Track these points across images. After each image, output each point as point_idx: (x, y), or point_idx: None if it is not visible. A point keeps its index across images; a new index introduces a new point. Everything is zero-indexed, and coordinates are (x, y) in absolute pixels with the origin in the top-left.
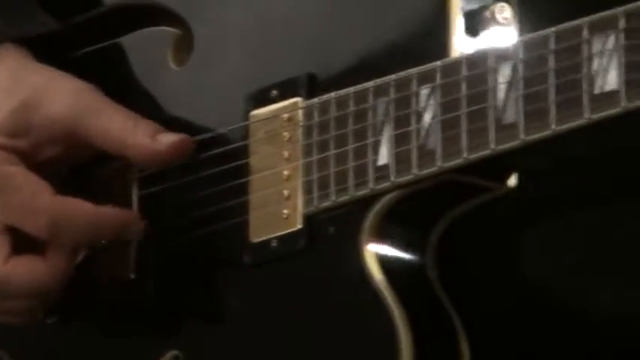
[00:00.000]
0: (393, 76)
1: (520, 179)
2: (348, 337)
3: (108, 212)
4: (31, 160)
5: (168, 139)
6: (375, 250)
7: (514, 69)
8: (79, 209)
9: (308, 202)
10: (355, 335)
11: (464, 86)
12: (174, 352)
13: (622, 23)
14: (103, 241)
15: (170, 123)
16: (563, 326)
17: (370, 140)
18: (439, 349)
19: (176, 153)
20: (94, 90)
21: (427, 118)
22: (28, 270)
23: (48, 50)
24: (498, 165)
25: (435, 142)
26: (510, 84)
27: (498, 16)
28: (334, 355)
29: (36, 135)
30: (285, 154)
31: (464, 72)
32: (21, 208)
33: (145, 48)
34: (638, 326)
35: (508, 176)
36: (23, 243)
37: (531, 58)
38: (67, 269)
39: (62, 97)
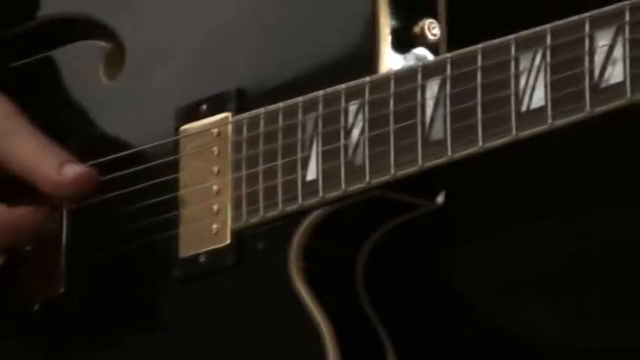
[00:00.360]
0: (322, 92)
1: (448, 196)
2: (277, 352)
3: (24, 211)
4: None
5: (73, 170)
6: (302, 264)
7: (442, 85)
8: (8, 212)
9: (237, 217)
10: (284, 351)
11: (392, 102)
12: None
13: (548, 40)
14: (28, 247)
15: (100, 137)
16: (488, 343)
17: (299, 156)
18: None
19: (79, 185)
20: (11, 110)
21: (355, 134)
22: None
23: None
24: (427, 181)
25: (363, 158)
26: (438, 100)
27: (427, 33)
28: None
29: None
30: (215, 169)
31: (392, 88)
32: None
33: (77, 61)
34: (563, 345)
35: (437, 193)
36: None
37: (459, 75)
38: None
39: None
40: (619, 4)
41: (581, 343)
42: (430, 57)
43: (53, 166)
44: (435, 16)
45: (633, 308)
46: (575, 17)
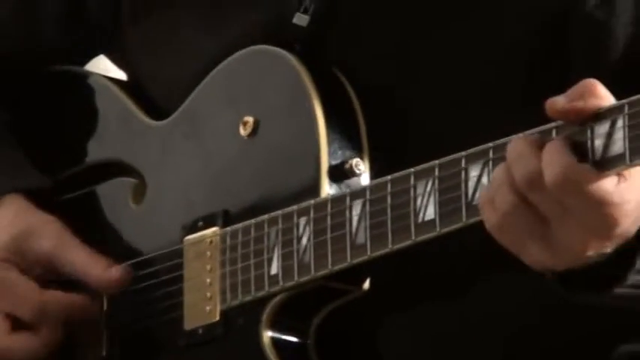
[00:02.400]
0: (280, 212)
1: (372, 283)
2: None
3: (76, 299)
4: (24, 270)
5: (116, 271)
6: (270, 335)
7: (363, 205)
8: (56, 298)
9: (223, 300)
10: None
11: (329, 218)
12: None
13: (436, 172)
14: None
15: (129, 245)
16: None
17: (265, 257)
18: None
19: (122, 282)
20: (67, 231)
21: (304, 241)
22: (24, 341)
23: (40, 197)
24: (356, 273)
25: (309, 258)
26: (361, 216)
27: (355, 168)
28: None
29: (28, 255)
30: (208, 267)
31: (329, 208)
32: (15, 301)
33: (113, 192)
34: None
35: (363, 281)
36: (19, 324)
37: (375, 198)
38: (52, 340)
39: (45, 237)
40: (485, 145)
41: None
42: (356, 185)
43: (101, 269)
44: (361, 157)
45: None
46: (455, 155)
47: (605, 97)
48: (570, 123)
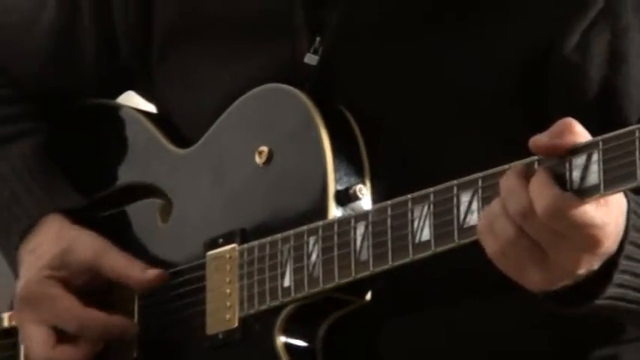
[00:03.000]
0: (292, 231)
1: (373, 294)
2: None
3: (114, 319)
4: (67, 285)
5: (152, 272)
6: (283, 340)
7: (366, 227)
8: (95, 317)
9: (241, 309)
10: None
11: (335, 237)
12: None
13: (432, 197)
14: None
15: (158, 259)
16: None
17: (279, 271)
18: None
19: (156, 281)
20: (106, 242)
21: (313, 257)
22: (67, 352)
23: (77, 215)
24: (359, 286)
25: (319, 272)
26: (364, 236)
27: (358, 193)
28: None
29: (71, 270)
30: (228, 279)
31: (336, 229)
32: (60, 315)
33: (143, 212)
34: None
35: (365, 293)
36: (64, 336)
37: (377, 221)
38: (91, 352)
39: (87, 247)
40: (475, 175)
41: None
42: (360, 209)
43: (139, 271)
44: (363, 183)
45: None
46: (448, 183)
47: (581, 134)
48: (551, 157)
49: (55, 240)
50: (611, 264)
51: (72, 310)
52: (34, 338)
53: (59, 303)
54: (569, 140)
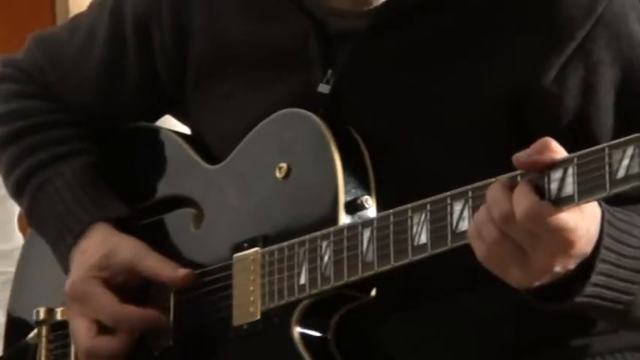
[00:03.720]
0: (307, 236)
1: (378, 291)
2: None
3: (148, 312)
4: (108, 283)
5: (183, 271)
6: (299, 330)
7: (372, 232)
8: (129, 312)
9: (263, 304)
10: None
11: (345, 242)
12: None
13: (428, 207)
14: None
15: (191, 261)
16: None
17: (296, 271)
18: None
19: (185, 279)
20: (144, 246)
21: (326, 259)
22: (106, 342)
23: (122, 223)
24: (365, 284)
25: (330, 272)
26: (370, 240)
27: (365, 204)
28: None
29: (112, 270)
30: (252, 278)
31: (345, 234)
32: (99, 310)
33: (178, 220)
34: None
35: (371, 289)
36: (104, 328)
37: (381, 226)
38: (128, 342)
39: (127, 251)
40: (466, 187)
41: None
42: (366, 217)
43: (171, 270)
44: (369, 195)
45: None
46: (443, 194)
47: (558, 152)
48: (532, 171)
49: (101, 245)
50: (588, 267)
51: (109, 306)
52: (79, 329)
53: (99, 299)
54: (547, 157)
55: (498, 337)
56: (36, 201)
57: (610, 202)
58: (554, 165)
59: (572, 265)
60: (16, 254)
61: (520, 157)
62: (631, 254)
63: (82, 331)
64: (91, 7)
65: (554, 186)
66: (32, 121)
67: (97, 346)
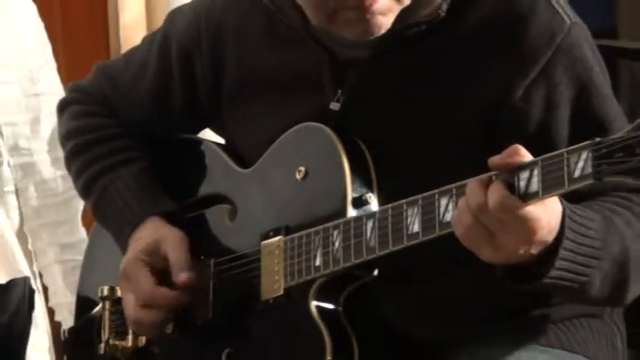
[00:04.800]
0: (321, 226)
1: (379, 270)
2: (302, 344)
3: (179, 296)
4: (151, 267)
5: (184, 276)
6: (315, 303)
7: (374, 223)
8: (164, 292)
9: (285, 282)
10: (304, 343)
11: (352, 231)
12: (228, 349)
13: (420, 202)
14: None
15: (227, 247)
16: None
17: (312, 254)
18: (344, 350)
19: (184, 283)
20: (183, 239)
21: (337, 244)
22: (148, 315)
23: (171, 217)
24: (369, 265)
25: (340, 255)
26: (372, 229)
27: (368, 200)
28: (295, 354)
29: (156, 256)
30: (276, 261)
31: (352, 224)
32: (138, 288)
33: (216, 214)
34: None
35: (374, 269)
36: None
37: (381, 218)
38: (164, 316)
39: (172, 240)
40: (451, 185)
41: None
42: (369, 210)
43: (178, 270)
44: (372, 192)
45: None
46: (432, 191)
47: (526, 156)
48: (504, 172)
49: (151, 234)
50: (551, 253)
51: (145, 286)
52: (127, 303)
53: (139, 279)
54: (517, 160)
55: (472, 307)
56: (101, 199)
57: (569, 198)
58: (523, 167)
59: (534, 250)
60: (80, 245)
61: (494, 159)
62: (587, 243)
63: (129, 304)
64: (143, 41)
65: (522, 184)
66: (97, 135)
67: (141, 318)
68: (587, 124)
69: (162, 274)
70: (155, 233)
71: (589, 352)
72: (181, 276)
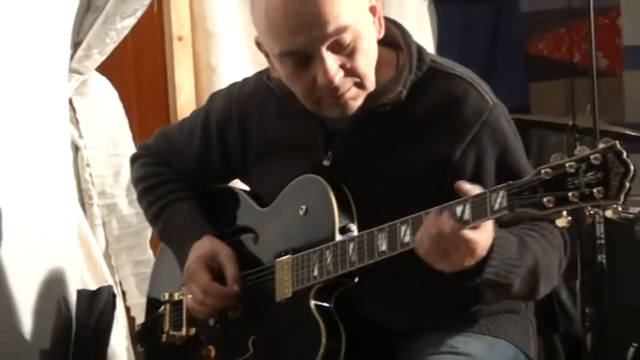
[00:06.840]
0: (317, 248)
1: (359, 278)
2: (305, 331)
3: (228, 291)
4: (209, 268)
5: (232, 287)
6: (314, 302)
7: (354, 244)
8: (216, 288)
9: (293, 287)
10: (307, 331)
11: (339, 250)
12: (254, 337)
13: (386, 229)
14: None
15: (253, 263)
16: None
17: (311, 268)
18: (335, 336)
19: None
20: (231, 253)
21: (328, 260)
22: (202, 306)
23: (216, 235)
24: (351, 274)
25: (331, 268)
26: (353, 249)
27: (351, 228)
28: (301, 339)
29: (214, 262)
30: (286, 272)
31: (339, 246)
32: (197, 282)
33: (244, 240)
34: None
35: (355, 278)
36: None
37: (359, 241)
38: (214, 309)
39: (227, 254)
40: (407, 217)
41: None
42: (351, 236)
43: (231, 281)
44: (353, 223)
45: None
46: (394, 221)
47: (469, 191)
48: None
49: (209, 244)
50: (484, 262)
51: (202, 280)
52: (191, 292)
53: (198, 275)
54: (468, 194)
55: (428, 304)
56: (166, 226)
57: (500, 224)
58: (459, 202)
59: (474, 261)
60: (149, 262)
61: (460, 184)
62: (509, 256)
63: (193, 293)
64: (192, 114)
65: (459, 214)
66: (159, 179)
67: (197, 308)
68: (506, 174)
69: (216, 275)
70: (212, 244)
71: (510, 338)
72: (235, 287)
